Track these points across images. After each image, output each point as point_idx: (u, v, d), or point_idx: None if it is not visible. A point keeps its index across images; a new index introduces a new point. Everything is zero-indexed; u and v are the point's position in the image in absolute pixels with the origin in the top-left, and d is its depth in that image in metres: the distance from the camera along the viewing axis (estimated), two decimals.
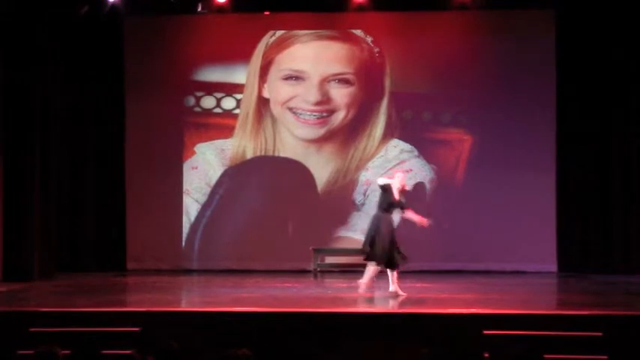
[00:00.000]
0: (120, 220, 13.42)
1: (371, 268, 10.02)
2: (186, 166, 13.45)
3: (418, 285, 11.25)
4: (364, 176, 13.18)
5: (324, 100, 13.23)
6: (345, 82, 13.24)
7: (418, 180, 13.07)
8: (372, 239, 9.87)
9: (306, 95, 13.21)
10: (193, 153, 13.45)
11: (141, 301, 9.85)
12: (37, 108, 12.05)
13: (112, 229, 13.41)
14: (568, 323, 8.11)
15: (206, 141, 13.45)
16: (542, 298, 10.46)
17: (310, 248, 12.38)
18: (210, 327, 8.22)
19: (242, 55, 13.35)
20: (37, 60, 12.02)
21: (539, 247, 12.89)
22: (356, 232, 13.04)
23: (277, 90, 13.26)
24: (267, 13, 13.41)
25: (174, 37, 13.45)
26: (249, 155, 13.32)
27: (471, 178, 13.11)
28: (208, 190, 13.40)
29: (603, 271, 12.44)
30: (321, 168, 13.25)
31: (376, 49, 13.24)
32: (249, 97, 13.29)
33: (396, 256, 9.81)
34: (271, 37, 13.32)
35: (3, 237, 11.84)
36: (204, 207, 13.41)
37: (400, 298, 9.71)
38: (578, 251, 12.86)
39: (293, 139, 13.28)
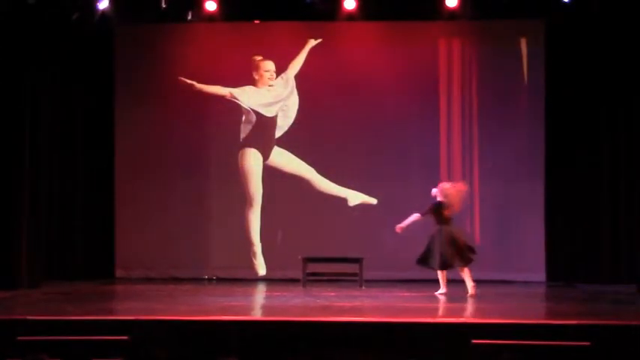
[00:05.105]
0: (109, 227, 13.40)
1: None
2: (177, 175, 13.43)
3: (407, 294, 11.26)
4: (355, 185, 13.19)
5: (315, 109, 13.24)
6: (336, 91, 13.25)
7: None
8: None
9: (297, 103, 13.21)
10: (184, 161, 13.44)
11: (129, 310, 9.81)
12: (27, 115, 12.01)
13: (101, 237, 13.38)
14: (556, 333, 8.12)
15: None
16: (530, 308, 10.47)
17: (299, 257, 12.37)
18: (198, 336, 8.20)
19: (232, 64, 13.35)
20: (27, 67, 12.00)
21: (527, 257, 12.92)
22: (345, 241, 13.03)
23: (267, 98, 13.25)
24: (257, 22, 13.43)
25: (165, 45, 13.45)
26: (240, 164, 13.30)
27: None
28: (198, 198, 13.39)
29: (592, 281, 12.47)
30: (311, 177, 13.24)
31: (366, 59, 13.25)
32: (239, 105, 13.28)
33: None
34: (262, 45, 13.31)
35: None
36: (194, 215, 13.39)
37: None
38: (566, 261, 12.88)
39: (283, 147, 13.27)
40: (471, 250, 11.15)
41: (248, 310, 10.05)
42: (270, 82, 13.21)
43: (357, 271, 12.22)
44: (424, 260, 11.09)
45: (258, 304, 10.86)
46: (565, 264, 12.87)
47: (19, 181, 11.94)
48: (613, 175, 12.78)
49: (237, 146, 13.27)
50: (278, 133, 13.27)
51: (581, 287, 12.19)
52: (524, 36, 13.16)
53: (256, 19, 13.40)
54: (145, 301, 10.59)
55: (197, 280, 13.07)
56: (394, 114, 13.21)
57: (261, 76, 13.18)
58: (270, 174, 13.24)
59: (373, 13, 12.80)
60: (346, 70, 13.29)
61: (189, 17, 13.04)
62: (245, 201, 13.23)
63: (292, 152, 13.26)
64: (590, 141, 12.82)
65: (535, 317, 9.43)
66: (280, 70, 13.22)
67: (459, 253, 11.00)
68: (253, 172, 13.26)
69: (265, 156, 13.26)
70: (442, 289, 11.14)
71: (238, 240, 13.22)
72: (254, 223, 13.24)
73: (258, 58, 13.18)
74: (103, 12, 12.35)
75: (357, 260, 12.29)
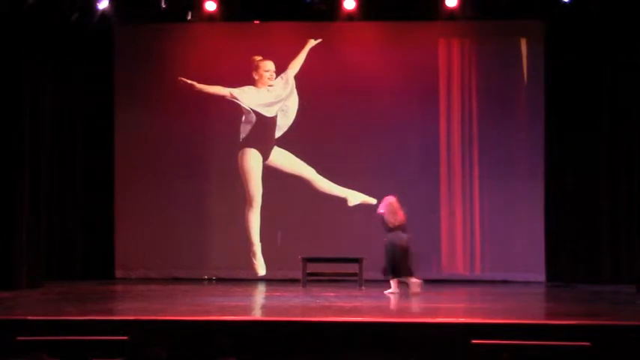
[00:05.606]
0: (109, 228, 13.40)
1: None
2: (177, 175, 13.42)
3: (406, 294, 11.25)
4: (355, 185, 13.18)
5: (315, 109, 13.22)
6: (336, 92, 13.24)
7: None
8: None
9: (297, 103, 13.21)
10: (183, 161, 13.43)
11: (129, 310, 9.82)
12: (26, 115, 12.02)
13: (101, 237, 13.38)
14: (556, 333, 8.11)
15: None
16: (530, 308, 10.47)
17: (299, 257, 12.37)
18: (198, 336, 8.20)
19: (232, 64, 13.34)
20: (27, 67, 12.00)
21: (527, 257, 12.92)
22: (345, 241, 13.02)
23: (267, 98, 13.24)
24: (257, 22, 13.43)
25: (165, 45, 13.45)
26: (240, 164, 13.28)
27: (460, 188, 13.13)
28: (198, 198, 13.38)
29: (592, 281, 12.47)
30: (311, 177, 13.23)
31: (366, 59, 13.25)
32: (239, 105, 13.27)
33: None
34: (262, 45, 13.29)
35: None
36: (194, 215, 13.39)
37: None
38: (566, 261, 12.88)
39: (283, 147, 13.26)
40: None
41: (248, 310, 10.05)
42: (270, 82, 13.19)
43: (357, 271, 12.22)
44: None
45: (258, 304, 10.85)
46: (565, 264, 12.86)
47: (18, 181, 11.93)
48: (613, 175, 12.77)
49: (237, 146, 13.25)
50: (278, 133, 13.26)
51: (581, 287, 12.18)
52: (524, 36, 13.16)
53: (256, 19, 13.39)
54: (144, 301, 10.59)
55: (197, 280, 13.07)
56: (394, 114, 13.20)
57: (261, 76, 13.16)
58: (270, 174, 13.23)
59: (373, 13, 12.80)
60: (346, 70, 13.28)
61: (189, 17, 13.03)
62: (245, 201, 13.22)
63: (292, 152, 13.25)
64: (590, 141, 12.82)
65: (535, 317, 9.44)
66: (280, 70, 13.21)
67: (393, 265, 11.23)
68: (253, 172, 13.25)
69: (265, 156, 13.25)
70: (393, 289, 11.19)
71: (238, 240, 13.21)
72: (254, 223, 13.23)
73: (258, 58, 13.16)
74: (103, 12, 12.35)
75: (357, 260, 12.28)
